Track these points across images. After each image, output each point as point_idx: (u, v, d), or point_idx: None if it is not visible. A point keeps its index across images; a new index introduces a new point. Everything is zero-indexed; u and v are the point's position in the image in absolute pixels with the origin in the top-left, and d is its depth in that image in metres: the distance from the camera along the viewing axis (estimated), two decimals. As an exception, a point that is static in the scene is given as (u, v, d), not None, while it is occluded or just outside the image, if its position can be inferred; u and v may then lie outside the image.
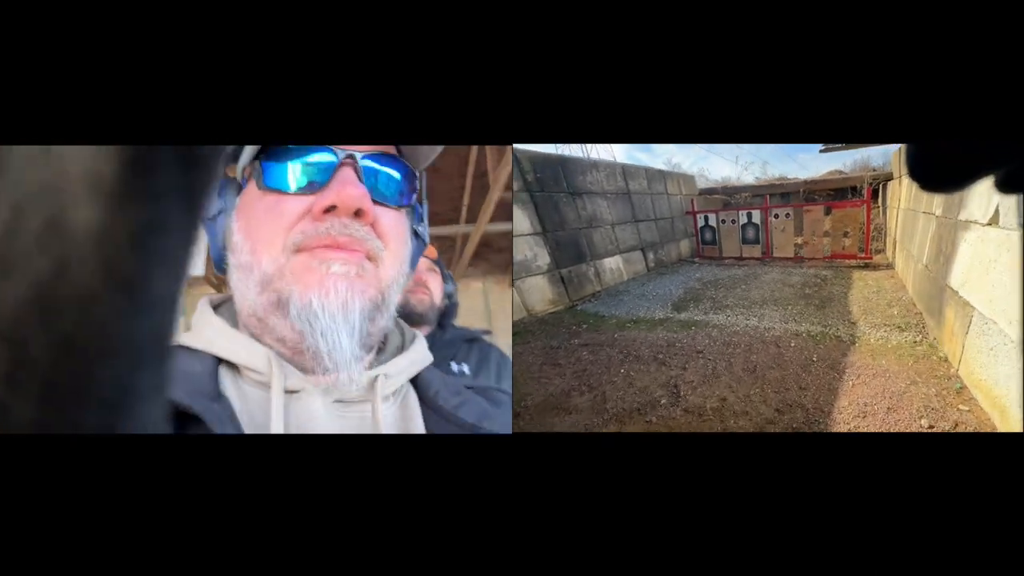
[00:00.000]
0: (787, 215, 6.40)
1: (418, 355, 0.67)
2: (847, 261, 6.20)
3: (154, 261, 0.19)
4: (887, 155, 7.24)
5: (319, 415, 0.58)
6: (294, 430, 0.56)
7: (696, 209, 6.89)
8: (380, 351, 0.66)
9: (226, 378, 0.59)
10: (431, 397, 0.64)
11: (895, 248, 5.74)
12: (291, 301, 0.56)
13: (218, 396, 0.56)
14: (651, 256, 5.85)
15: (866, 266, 5.98)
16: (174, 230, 0.20)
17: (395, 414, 0.63)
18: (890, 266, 5.81)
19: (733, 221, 6.56)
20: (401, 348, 0.67)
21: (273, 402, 0.56)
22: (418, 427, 0.62)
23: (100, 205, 0.18)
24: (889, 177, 7.01)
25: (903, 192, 5.20)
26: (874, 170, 7.55)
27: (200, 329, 0.62)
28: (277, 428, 0.55)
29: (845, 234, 6.28)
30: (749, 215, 6.49)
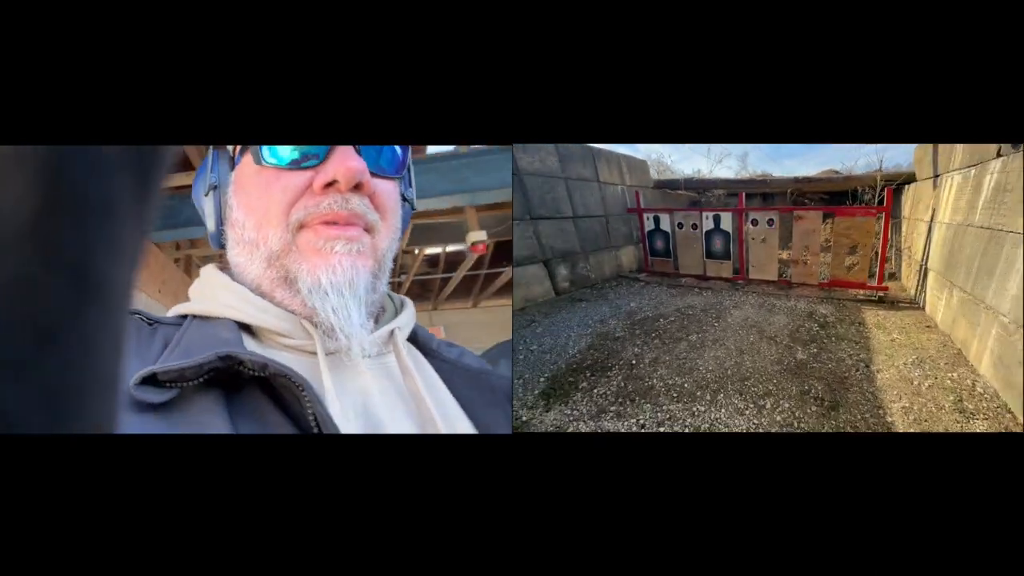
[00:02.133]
0: (770, 222, 4.50)
1: (412, 314, 0.70)
2: (853, 291, 4.36)
3: (101, 244, 0.18)
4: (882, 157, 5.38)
5: (363, 371, 0.60)
6: (344, 390, 0.58)
7: (642, 206, 4.96)
8: (381, 315, 0.69)
9: (249, 343, 0.59)
10: (435, 349, 0.68)
11: (921, 277, 3.92)
12: (299, 279, 0.59)
13: None
14: (563, 272, 3.90)
15: (880, 300, 4.15)
16: (123, 212, 0.18)
17: (408, 364, 0.65)
18: (915, 303, 3.99)
19: (694, 226, 4.65)
20: (396, 310, 0.70)
21: (321, 366, 0.57)
22: (430, 374, 0.65)
23: (35, 180, 0.16)
24: (909, 179, 5.18)
25: (949, 198, 3.34)
26: (880, 170, 5.68)
27: (215, 294, 0.63)
28: (329, 389, 0.56)
29: (852, 250, 4.41)
30: (716, 219, 4.58)
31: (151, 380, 0.49)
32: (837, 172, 6.43)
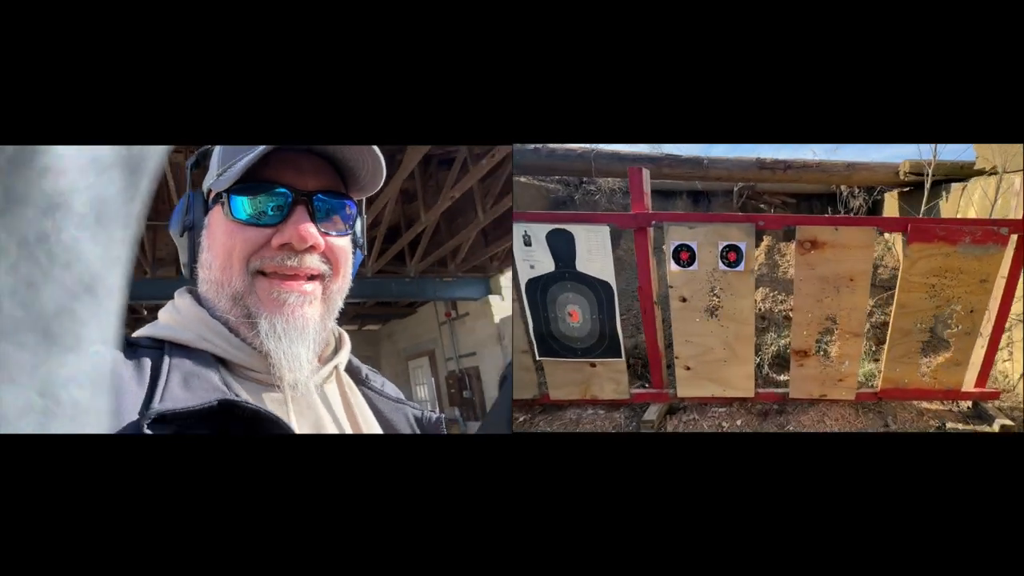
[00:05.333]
0: (730, 255, 1.72)
1: (348, 348, 0.78)
2: (918, 402, 1.64)
3: (93, 245, 0.19)
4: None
5: (315, 401, 0.70)
6: (303, 420, 0.68)
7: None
8: (324, 349, 0.76)
9: (224, 373, 0.66)
10: (364, 379, 0.78)
11: None
12: (259, 323, 0.66)
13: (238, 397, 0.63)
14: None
15: (1004, 430, 1.46)
16: (115, 219, 0.19)
17: (349, 396, 0.77)
18: None
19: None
20: (336, 344, 0.78)
21: (287, 400, 0.66)
22: (362, 402, 0.75)
23: (32, 182, 0.17)
24: (958, 174, 2.55)
25: None
26: (933, 158, 2.97)
27: (197, 328, 0.68)
28: (294, 422, 0.65)
29: (941, 319, 1.68)
30: (563, 242, 1.78)
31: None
32: (813, 164, 3.71)
